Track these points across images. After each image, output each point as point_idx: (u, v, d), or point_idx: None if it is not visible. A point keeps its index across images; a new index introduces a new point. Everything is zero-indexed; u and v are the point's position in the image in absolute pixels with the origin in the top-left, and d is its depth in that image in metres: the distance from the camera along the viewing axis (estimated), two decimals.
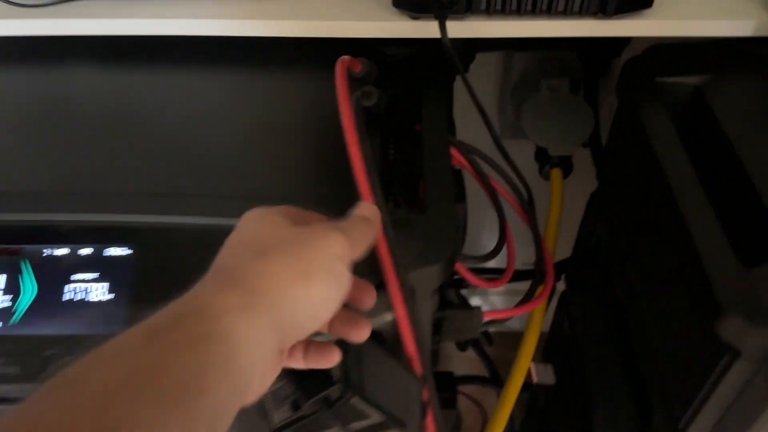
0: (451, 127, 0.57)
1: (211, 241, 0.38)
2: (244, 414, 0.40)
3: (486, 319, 0.45)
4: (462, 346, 0.73)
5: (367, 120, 0.45)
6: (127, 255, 0.37)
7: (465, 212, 0.50)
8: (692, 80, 0.48)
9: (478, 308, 0.45)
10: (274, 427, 0.42)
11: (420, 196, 0.43)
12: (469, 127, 0.79)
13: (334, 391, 0.40)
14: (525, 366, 0.54)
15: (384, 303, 0.37)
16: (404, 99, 0.49)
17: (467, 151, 0.52)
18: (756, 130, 0.43)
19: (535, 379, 0.73)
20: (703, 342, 0.40)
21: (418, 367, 0.38)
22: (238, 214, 0.38)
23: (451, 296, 0.56)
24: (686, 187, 0.42)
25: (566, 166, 0.66)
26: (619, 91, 0.51)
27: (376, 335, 0.38)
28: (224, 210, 0.37)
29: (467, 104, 0.75)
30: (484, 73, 0.75)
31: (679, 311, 0.44)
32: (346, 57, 0.41)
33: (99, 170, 0.41)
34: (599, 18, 0.44)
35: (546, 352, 0.82)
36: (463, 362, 1.02)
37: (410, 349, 0.38)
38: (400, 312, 0.36)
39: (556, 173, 0.65)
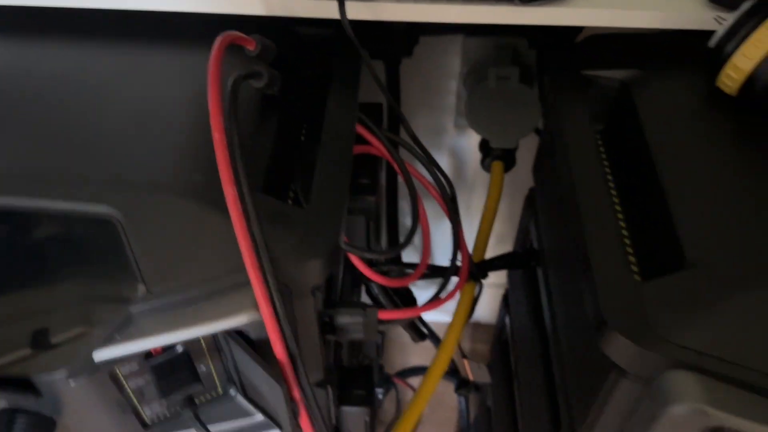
0: (379, 114, 0.54)
1: (71, 228, 0.36)
2: (114, 411, 0.39)
3: (381, 318, 0.43)
4: (420, 336, 0.71)
5: (265, 102, 0.43)
6: None
7: (376, 205, 0.48)
8: (620, 74, 0.45)
9: (371, 308, 0.43)
10: (146, 424, 0.41)
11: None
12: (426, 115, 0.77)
13: (198, 390, 0.38)
14: (441, 366, 0.52)
15: (251, 301, 0.35)
16: (315, 82, 0.47)
17: (389, 140, 0.49)
18: (675, 132, 0.40)
19: (471, 377, 0.71)
20: (596, 358, 0.38)
21: (287, 369, 0.36)
22: (100, 199, 0.36)
23: (375, 293, 0.54)
24: (590, 193, 0.39)
25: (508, 159, 0.63)
26: (541, 84, 0.48)
27: (243, 334, 0.36)
28: (84, 195, 0.35)
29: (427, 90, 0.73)
30: (445, 56, 0.72)
31: (579, 324, 0.41)
32: (230, 33, 0.38)
33: None
34: (515, 4, 0.41)
35: (493, 349, 0.80)
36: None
37: (277, 350, 0.35)
38: (264, 311, 0.34)
39: (496, 166, 0.62)
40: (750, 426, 0.32)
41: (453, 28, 0.65)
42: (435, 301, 0.46)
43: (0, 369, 0.34)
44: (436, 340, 0.72)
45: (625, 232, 0.41)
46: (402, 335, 1.09)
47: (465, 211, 0.87)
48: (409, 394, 1.00)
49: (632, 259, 0.40)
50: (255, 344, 0.37)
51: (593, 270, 0.35)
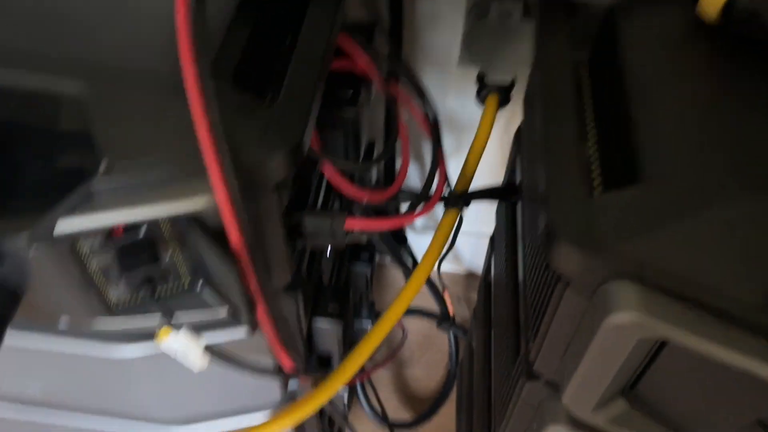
0: (370, 34, 0.54)
1: (39, 103, 0.37)
2: (78, 290, 0.40)
3: (347, 227, 0.44)
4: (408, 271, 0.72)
5: (244, 4, 0.43)
6: None
7: (356, 118, 0.48)
8: (606, 1, 0.44)
9: (340, 213, 0.43)
10: (111, 306, 0.42)
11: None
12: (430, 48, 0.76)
13: (157, 271, 0.39)
14: (413, 287, 0.52)
15: (208, 187, 0.35)
16: None
17: (378, 60, 0.49)
18: (651, 60, 0.40)
19: (451, 311, 0.72)
20: (546, 277, 0.38)
21: (243, 255, 0.37)
22: (70, 76, 0.36)
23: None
24: (555, 118, 0.39)
25: (504, 95, 0.63)
26: (534, 14, 0.47)
27: (199, 220, 0.37)
28: (55, 71, 0.36)
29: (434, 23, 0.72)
30: None
31: (535, 245, 0.41)
32: None
33: None
34: None
35: (478, 291, 0.80)
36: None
37: (232, 236, 0.36)
38: (219, 196, 0.35)
39: (491, 99, 0.62)
40: (689, 338, 0.32)
41: None
42: (404, 216, 0.47)
43: None
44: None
45: (595, 155, 0.41)
46: (397, 278, 1.10)
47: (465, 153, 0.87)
48: (400, 333, 1.02)
49: (598, 180, 0.40)
50: (213, 234, 0.38)
51: (548, 187, 0.35)
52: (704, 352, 0.31)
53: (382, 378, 1.03)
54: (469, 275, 1.13)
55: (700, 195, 0.33)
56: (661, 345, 0.34)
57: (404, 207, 0.57)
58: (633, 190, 0.34)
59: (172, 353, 0.41)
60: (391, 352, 0.98)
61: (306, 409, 0.46)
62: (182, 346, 0.40)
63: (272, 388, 0.57)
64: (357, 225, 0.44)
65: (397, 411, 1.00)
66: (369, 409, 0.89)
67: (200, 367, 0.42)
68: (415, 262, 0.67)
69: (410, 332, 1.05)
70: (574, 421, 0.40)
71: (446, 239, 0.56)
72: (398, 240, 0.79)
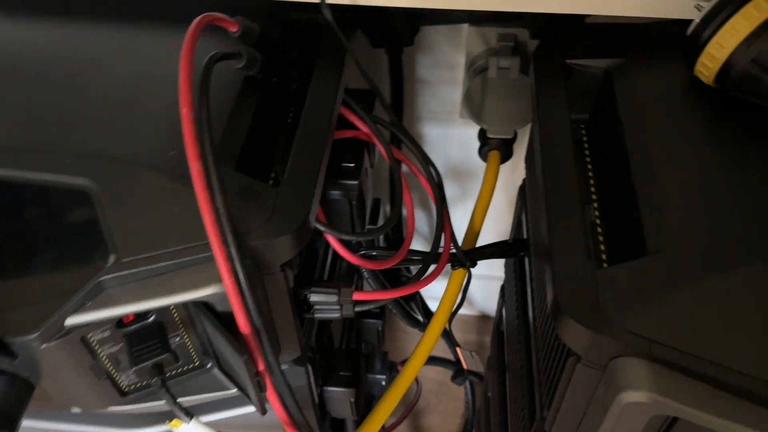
0: (370, 100, 0.55)
1: (52, 198, 0.38)
2: (89, 378, 0.40)
3: (356, 299, 0.44)
4: (413, 323, 0.72)
5: (247, 84, 0.44)
6: None
7: (359, 190, 0.48)
8: (603, 63, 0.45)
9: (347, 285, 0.43)
10: (122, 391, 0.42)
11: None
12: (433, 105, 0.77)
13: (167, 358, 0.39)
14: (423, 352, 0.52)
15: (215, 274, 0.36)
16: (303, 66, 0.48)
17: (375, 123, 0.50)
18: (650, 122, 0.40)
19: (465, 365, 0.72)
20: (558, 344, 0.38)
21: (251, 340, 0.37)
22: (78, 172, 0.37)
23: (366, 277, 0.55)
24: (557, 181, 0.39)
25: (505, 150, 0.63)
26: (531, 74, 0.48)
27: (210, 307, 0.37)
28: (64, 167, 0.37)
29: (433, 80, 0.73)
30: (449, 46, 0.72)
31: (545, 311, 0.41)
32: (209, 14, 0.39)
33: None
34: None
35: (492, 340, 0.80)
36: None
37: (240, 322, 0.37)
38: (226, 283, 0.35)
39: (493, 155, 0.63)
40: (700, 416, 0.31)
41: (454, 18, 0.65)
42: (412, 285, 0.47)
43: None
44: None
45: (598, 221, 0.41)
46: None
47: (470, 201, 0.88)
48: (414, 386, 1.01)
49: (603, 247, 0.40)
50: (222, 317, 0.38)
51: (553, 256, 0.36)
52: (717, 428, 0.31)
53: (399, 428, 1.01)
54: (482, 317, 1.13)
55: (707, 267, 0.33)
56: (674, 419, 0.34)
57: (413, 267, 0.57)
58: (639, 263, 0.34)
59: None
60: (407, 408, 0.97)
61: None
62: None
63: None
64: (364, 297, 0.44)
65: None
66: None
67: None
68: (425, 312, 0.67)
69: (425, 380, 1.04)
70: None
71: (455, 298, 0.56)
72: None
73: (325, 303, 0.44)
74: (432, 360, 1.00)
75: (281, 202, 0.39)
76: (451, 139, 0.82)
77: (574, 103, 0.45)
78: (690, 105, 0.40)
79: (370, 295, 0.44)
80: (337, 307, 0.44)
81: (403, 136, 0.49)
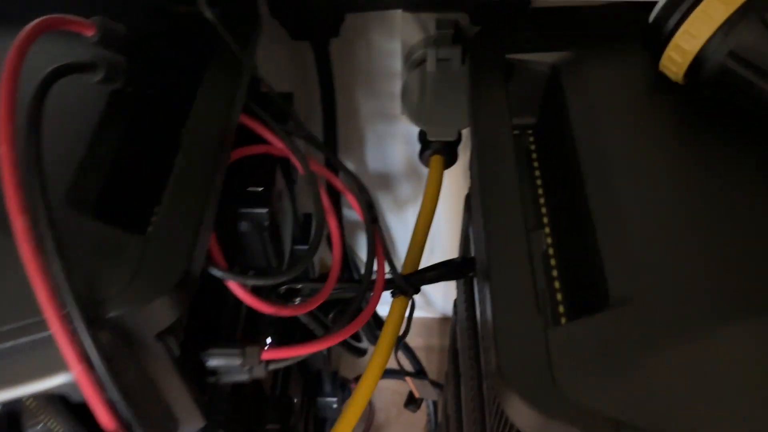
0: (286, 107, 0.46)
1: None
2: None
3: (264, 358, 0.36)
4: (358, 353, 0.65)
5: (112, 101, 0.35)
6: None
7: (271, 219, 0.40)
8: (550, 58, 0.37)
9: (253, 347, 0.36)
10: None
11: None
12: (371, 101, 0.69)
13: None
14: (364, 391, 0.45)
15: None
16: (187, 71, 0.39)
17: (289, 134, 0.42)
18: (607, 133, 0.33)
19: (416, 394, 0.65)
20: (502, 414, 0.31)
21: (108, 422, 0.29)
22: None
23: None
24: (500, 205, 0.31)
25: (449, 154, 0.55)
26: (467, 71, 0.40)
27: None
28: None
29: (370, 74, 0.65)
30: (384, 36, 0.64)
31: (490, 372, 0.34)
32: (50, 17, 0.31)
33: None
34: None
35: (448, 355, 0.73)
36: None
37: (102, 419, 0.29)
38: (76, 371, 0.27)
39: (435, 161, 0.55)
40: None
41: (383, 4, 0.57)
42: (333, 336, 0.39)
43: None
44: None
45: (550, 251, 0.34)
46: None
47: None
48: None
49: (559, 296, 0.32)
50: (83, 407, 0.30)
51: (495, 309, 0.28)
52: None
53: None
54: (443, 320, 1.06)
55: (682, 324, 0.26)
56: None
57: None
58: (600, 319, 0.27)
59: None
60: (366, 427, 0.91)
61: None
62: None
63: None
64: (274, 355, 0.36)
65: None
66: None
67: None
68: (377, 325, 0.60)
69: (384, 391, 0.97)
70: None
71: (398, 329, 0.49)
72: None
73: (228, 367, 0.36)
74: (388, 373, 0.93)
75: (152, 253, 0.30)
76: (395, 136, 0.74)
77: (519, 105, 0.38)
78: (655, 108, 0.33)
79: (283, 352, 0.36)
80: (245, 369, 0.36)
81: (319, 148, 0.41)
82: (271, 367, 0.38)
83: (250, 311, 0.45)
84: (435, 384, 0.80)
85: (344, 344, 0.55)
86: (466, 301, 0.53)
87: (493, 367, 0.27)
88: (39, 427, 0.32)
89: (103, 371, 0.28)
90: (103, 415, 0.28)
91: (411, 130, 0.73)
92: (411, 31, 0.60)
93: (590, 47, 0.36)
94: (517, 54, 0.38)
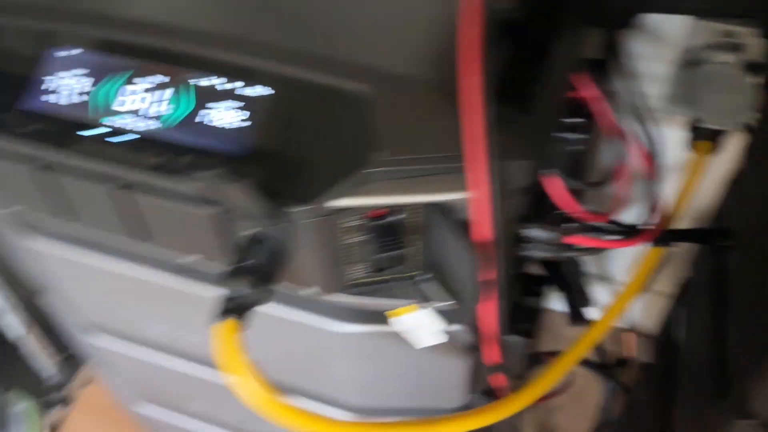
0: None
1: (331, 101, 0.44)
2: (326, 262, 0.45)
3: (568, 242, 0.46)
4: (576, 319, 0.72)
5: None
6: (269, 95, 0.44)
7: (585, 140, 0.51)
8: None
9: (562, 227, 0.46)
10: (347, 282, 0.47)
11: None
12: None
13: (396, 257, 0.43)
14: (606, 322, 0.54)
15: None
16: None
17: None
18: None
19: (633, 352, 0.70)
20: None
21: (490, 249, 0.40)
22: (358, 78, 0.43)
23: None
24: None
25: (715, 142, 0.63)
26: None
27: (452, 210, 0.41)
28: (347, 73, 0.43)
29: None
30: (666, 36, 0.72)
31: None
32: None
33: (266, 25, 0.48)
34: None
35: (656, 348, 0.78)
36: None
37: (485, 230, 0.40)
38: (482, 193, 0.39)
39: (702, 146, 0.62)
40: None
41: (680, 9, 0.65)
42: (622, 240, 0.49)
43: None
44: None
45: None
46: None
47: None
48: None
49: None
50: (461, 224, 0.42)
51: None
52: None
53: (526, 420, 1.02)
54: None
55: None
56: None
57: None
58: None
59: (405, 327, 0.45)
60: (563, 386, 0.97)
61: (502, 411, 0.48)
62: (420, 323, 0.44)
63: (455, 394, 0.60)
64: (577, 240, 0.46)
65: None
66: None
67: (425, 344, 0.46)
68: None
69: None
70: None
71: (646, 277, 0.57)
72: None
73: (538, 238, 0.46)
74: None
75: (531, 133, 0.42)
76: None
77: None
78: None
79: (582, 240, 0.46)
80: (551, 246, 0.47)
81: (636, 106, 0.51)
82: (566, 253, 0.48)
83: None
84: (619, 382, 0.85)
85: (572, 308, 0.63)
86: (710, 272, 0.58)
87: None
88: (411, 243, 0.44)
89: (498, 198, 0.39)
90: (487, 226, 0.40)
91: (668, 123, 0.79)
92: (696, 36, 0.68)
93: None
94: None
